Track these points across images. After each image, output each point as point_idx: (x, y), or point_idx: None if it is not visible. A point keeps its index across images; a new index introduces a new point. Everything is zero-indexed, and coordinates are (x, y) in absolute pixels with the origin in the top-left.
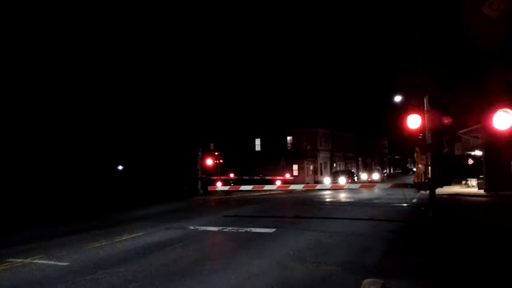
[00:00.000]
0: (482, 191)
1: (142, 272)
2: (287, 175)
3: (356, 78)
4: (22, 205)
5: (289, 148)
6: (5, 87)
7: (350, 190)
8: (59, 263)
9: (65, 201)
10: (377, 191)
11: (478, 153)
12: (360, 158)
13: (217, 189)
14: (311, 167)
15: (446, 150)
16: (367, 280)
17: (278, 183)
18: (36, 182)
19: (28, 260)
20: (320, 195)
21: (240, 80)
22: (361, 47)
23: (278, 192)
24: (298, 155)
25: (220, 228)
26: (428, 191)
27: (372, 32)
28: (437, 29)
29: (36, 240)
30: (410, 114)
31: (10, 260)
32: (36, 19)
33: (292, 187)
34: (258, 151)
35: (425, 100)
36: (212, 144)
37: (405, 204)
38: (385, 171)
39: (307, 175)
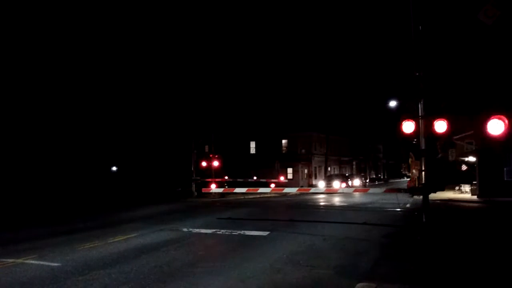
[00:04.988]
0: (475, 197)
1: (134, 274)
2: (282, 178)
3: (351, 83)
4: (15, 206)
5: (284, 152)
6: (1, 88)
7: (344, 194)
8: (51, 264)
9: (59, 202)
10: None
11: (472, 159)
12: (354, 162)
13: (211, 191)
14: (306, 171)
15: (440, 155)
16: (360, 284)
17: (273, 186)
18: (30, 183)
19: (20, 260)
20: (314, 198)
21: (236, 83)
22: (357, 53)
23: (272, 195)
24: (292, 159)
25: (214, 230)
26: (421, 196)
27: (368, 37)
28: (433, 34)
29: (29, 240)
30: (405, 119)
31: (1, 260)
32: (36, 19)
33: (286, 190)
34: (253, 154)
35: (419, 105)
36: (207, 146)
37: (398, 209)
38: (365, 178)
39: (302, 179)
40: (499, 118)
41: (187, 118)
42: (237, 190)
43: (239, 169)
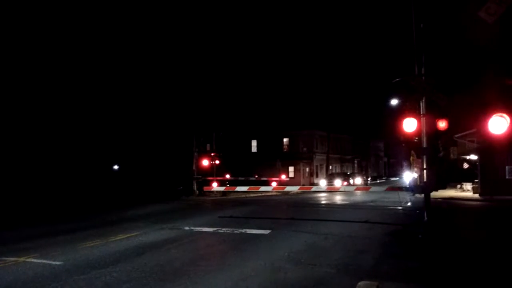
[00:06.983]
0: (477, 195)
1: (136, 272)
2: (283, 177)
3: (353, 81)
4: (17, 204)
5: (285, 150)
6: (2, 87)
7: (345, 192)
8: (53, 262)
9: (60, 200)
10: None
11: (473, 157)
12: (356, 161)
13: (212, 189)
14: (307, 169)
15: (441, 154)
16: (362, 283)
17: (274, 184)
18: (32, 181)
19: (22, 259)
20: (316, 197)
21: (237, 81)
22: (358, 51)
23: (273, 193)
24: (294, 157)
25: (215, 229)
26: (423, 195)
27: (369, 35)
28: (434, 32)
29: (30, 239)
30: (406, 117)
31: (3, 258)
32: (36, 19)
33: (288, 188)
34: (254, 152)
35: (421, 103)
36: (208, 145)
37: (400, 207)
38: (366, 176)
39: (303, 177)
40: (501, 116)
41: (188, 117)
42: (239, 188)
43: (241, 168)
